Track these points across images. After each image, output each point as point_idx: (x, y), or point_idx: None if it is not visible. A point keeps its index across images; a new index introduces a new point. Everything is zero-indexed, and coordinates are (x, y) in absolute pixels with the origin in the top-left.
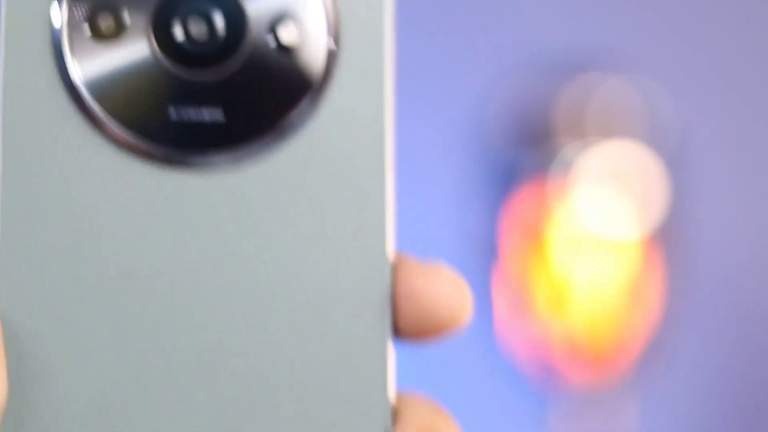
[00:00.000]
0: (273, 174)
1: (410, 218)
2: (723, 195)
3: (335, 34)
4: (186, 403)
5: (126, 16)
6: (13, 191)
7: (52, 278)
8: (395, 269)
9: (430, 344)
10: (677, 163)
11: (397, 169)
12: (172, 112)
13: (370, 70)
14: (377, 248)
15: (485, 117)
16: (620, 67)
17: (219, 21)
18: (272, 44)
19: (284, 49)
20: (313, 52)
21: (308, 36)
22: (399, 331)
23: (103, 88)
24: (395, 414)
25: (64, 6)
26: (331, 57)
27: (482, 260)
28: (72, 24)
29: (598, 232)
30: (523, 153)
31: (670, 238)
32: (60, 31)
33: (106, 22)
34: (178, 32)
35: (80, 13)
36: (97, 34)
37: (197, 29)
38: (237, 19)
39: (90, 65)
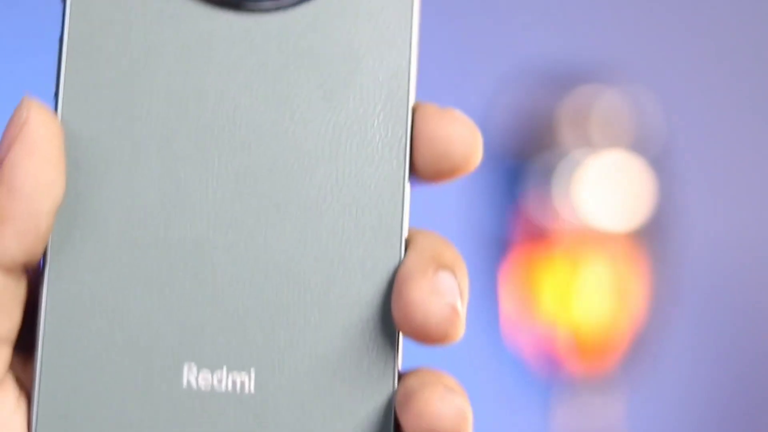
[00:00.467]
0: (312, 17)
1: (420, 217)
2: (709, 195)
3: None
4: (226, 210)
5: None
6: (80, 24)
7: (110, 95)
8: (414, 113)
9: (444, 183)
10: (665, 166)
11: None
12: None
13: None
14: (401, 92)
15: (491, 123)
16: (614, 77)
17: None
18: None
19: None
20: None
21: None
22: (416, 172)
23: None
24: (408, 242)
25: None
26: None
27: (490, 257)
28: None
29: (595, 230)
30: (528, 157)
31: (657, 237)
32: None
33: None
34: None
35: None
36: None
37: None
38: None
39: None
